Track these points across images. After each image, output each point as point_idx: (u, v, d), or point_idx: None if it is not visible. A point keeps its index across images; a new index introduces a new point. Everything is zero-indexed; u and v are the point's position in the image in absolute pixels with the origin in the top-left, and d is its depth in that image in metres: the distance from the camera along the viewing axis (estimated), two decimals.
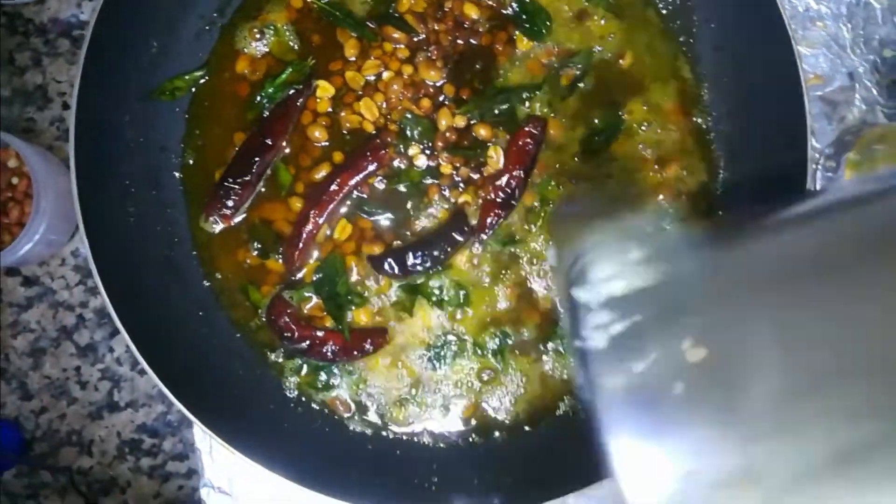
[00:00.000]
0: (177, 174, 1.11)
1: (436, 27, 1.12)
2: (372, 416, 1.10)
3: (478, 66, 1.13)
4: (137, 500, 1.30)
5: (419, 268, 1.08)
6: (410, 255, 1.08)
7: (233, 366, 1.08)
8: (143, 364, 0.95)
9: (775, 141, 1.08)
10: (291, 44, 1.13)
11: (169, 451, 1.24)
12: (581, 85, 1.13)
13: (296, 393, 1.09)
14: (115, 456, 1.24)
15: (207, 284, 1.10)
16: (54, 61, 1.28)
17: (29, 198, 1.19)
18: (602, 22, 1.15)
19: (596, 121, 1.13)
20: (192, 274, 1.10)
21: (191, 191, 1.11)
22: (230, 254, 1.10)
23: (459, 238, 1.08)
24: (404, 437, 1.09)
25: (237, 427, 0.99)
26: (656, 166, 1.13)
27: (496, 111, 1.12)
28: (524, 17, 1.14)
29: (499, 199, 1.09)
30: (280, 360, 1.10)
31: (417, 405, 1.10)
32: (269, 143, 1.09)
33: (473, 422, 1.10)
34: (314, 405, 1.10)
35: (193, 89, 1.11)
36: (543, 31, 1.14)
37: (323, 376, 1.09)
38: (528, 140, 1.09)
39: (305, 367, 1.10)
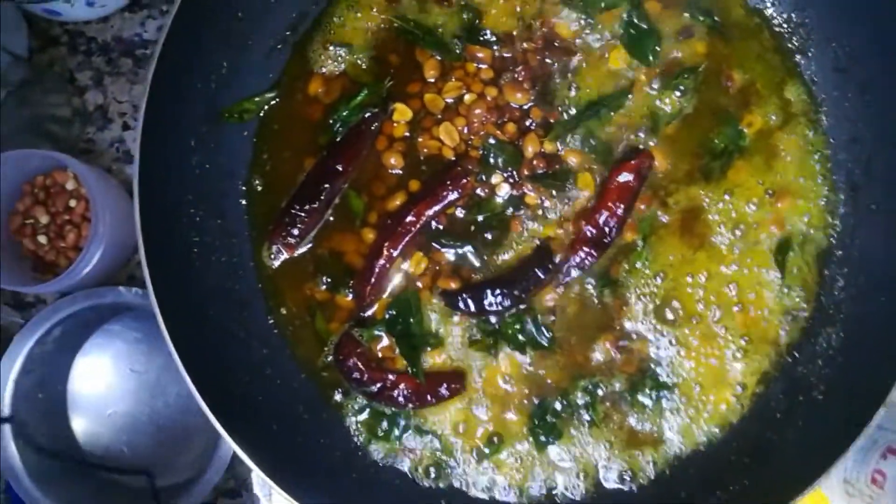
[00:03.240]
0: (242, 202, 1.04)
1: (524, 46, 1.03)
2: (444, 471, 1.00)
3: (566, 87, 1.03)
4: None
5: (497, 307, 0.98)
6: (489, 292, 0.98)
7: (297, 408, 1.00)
8: (202, 405, 0.87)
9: None
10: (368, 64, 1.05)
11: (219, 485, 1.16)
12: (684, 107, 1.03)
13: (363, 440, 1.01)
14: None
15: (272, 321, 1.03)
16: (116, 81, 1.25)
17: (87, 221, 1.15)
18: (707, 41, 1.04)
19: (716, 140, 1.02)
20: (256, 309, 1.03)
21: (257, 219, 1.04)
22: (297, 287, 1.03)
23: (542, 276, 0.98)
24: (481, 497, 1.00)
25: (299, 476, 0.91)
26: (768, 196, 1.01)
27: (591, 138, 1.02)
28: (631, 35, 1.04)
29: (590, 236, 0.99)
30: (346, 402, 1.02)
31: (495, 462, 1.00)
32: (340, 168, 1.01)
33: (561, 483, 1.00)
34: (380, 454, 1.01)
35: (263, 112, 1.04)
36: (650, 55, 1.03)
37: (386, 424, 1.01)
38: (632, 175, 0.99)
39: (369, 412, 1.01)
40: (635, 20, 1.04)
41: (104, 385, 1.22)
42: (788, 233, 1.01)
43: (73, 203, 1.17)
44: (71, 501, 1.13)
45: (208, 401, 0.88)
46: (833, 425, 0.91)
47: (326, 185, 1.01)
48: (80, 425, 1.21)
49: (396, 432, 1.00)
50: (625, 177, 0.99)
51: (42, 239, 1.15)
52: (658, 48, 1.03)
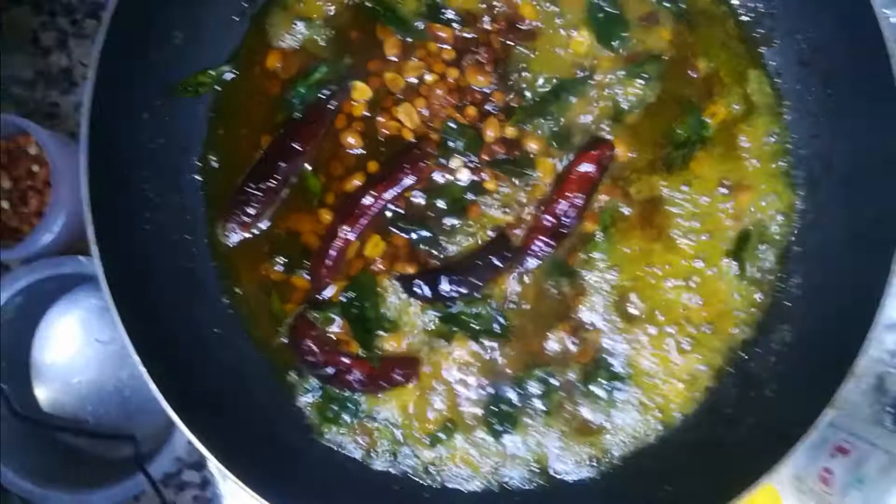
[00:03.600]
0: (197, 177, 1.01)
1: (487, 27, 1.01)
2: (397, 455, 1.00)
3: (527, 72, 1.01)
4: None
5: (453, 293, 0.97)
6: (444, 279, 0.97)
7: (250, 390, 0.99)
8: (150, 384, 0.86)
9: (864, 166, 0.95)
10: (328, 40, 1.02)
11: (183, 458, 1.16)
12: (647, 96, 1.01)
13: (315, 422, 1.00)
14: None
15: (226, 300, 1.01)
16: (81, 43, 1.21)
17: (50, 187, 1.12)
18: (672, 28, 1.02)
19: (678, 130, 1.01)
20: (210, 288, 1.01)
21: (212, 197, 1.02)
22: (252, 267, 1.01)
23: (499, 264, 0.97)
24: (432, 481, 0.99)
25: (249, 458, 0.90)
26: (725, 191, 1.01)
27: (552, 124, 1.00)
28: (597, 20, 1.02)
29: (548, 225, 0.98)
30: (299, 383, 1.01)
31: (448, 447, 1.00)
32: (297, 147, 0.99)
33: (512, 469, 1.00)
34: (332, 438, 1.00)
35: (219, 86, 1.02)
36: (616, 41, 1.02)
37: (338, 407, 1.00)
38: (593, 165, 0.98)
39: (321, 394, 1.00)
40: (602, 4, 1.02)
41: (68, 354, 1.21)
42: (747, 227, 1.01)
43: (35, 168, 1.14)
44: (39, 471, 1.13)
45: (157, 379, 0.86)
46: (783, 422, 0.91)
47: (283, 164, 0.99)
48: (43, 393, 1.20)
49: (347, 416, 0.99)
50: (585, 167, 0.98)
51: (4, 204, 1.12)
52: (624, 34, 1.02)
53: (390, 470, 1.00)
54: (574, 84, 1.01)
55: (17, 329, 1.16)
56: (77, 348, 1.21)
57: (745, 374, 0.99)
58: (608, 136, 1.01)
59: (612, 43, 1.01)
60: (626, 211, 1.01)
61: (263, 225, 1.01)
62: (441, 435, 1.00)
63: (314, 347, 0.98)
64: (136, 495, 1.19)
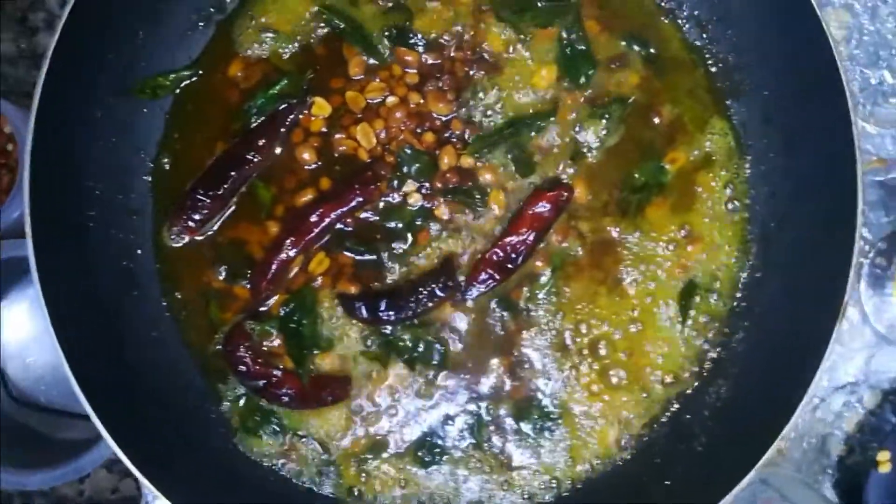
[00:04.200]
0: (148, 178, 1.01)
1: (452, 55, 1.00)
2: (321, 475, 0.99)
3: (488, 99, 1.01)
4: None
5: (392, 317, 0.97)
6: (384, 302, 0.96)
7: (180, 397, 0.98)
8: (71, 380, 0.85)
9: (819, 228, 0.94)
10: (293, 53, 1.02)
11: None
12: (609, 138, 1.00)
13: (239, 434, 0.99)
14: None
15: (165, 303, 1.00)
16: None
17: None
18: (640, 72, 1.01)
19: (636, 175, 1.00)
20: (150, 290, 1.00)
21: (161, 199, 1.01)
22: (194, 273, 1.01)
23: (441, 294, 0.96)
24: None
25: (169, 467, 0.90)
26: (680, 239, 1.00)
27: (510, 157, 0.99)
28: (566, 55, 1.01)
29: (496, 259, 0.97)
30: (228, 392, 1.00)
31: (373, 474, 0.99)
32: (249, 157, 0.98)
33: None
34: (256, 452, 0.99)
35: (178, 90, 1.01)
36: (582, 77, 1.01)
37: (261, 419, 0.99)
38: (549, 206, 0.97)
39: (248, 405, 0.99)
40: (573, 39, 1.01)
41: (26, 334, 1.20)
42: (695, 277, 1.00)
43: (10, 147, 1.14)
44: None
45: (79, 376, 0.85)
46: (708, 478, 0.90)
47: (233, 173, 0.98)
48: None
49: (271, 430, 0.98)
50: (542, 207, 0.97)
51: None
52: (592, 72, 1.01)
53: (312, 488, 0.99)
54: (534, 119, 1.00)
55: None
56: (35, 329, 1.21)
57: (677, 424, 0.98)
58: (565, 177, 1.00)
59: (580, 81, 1.00)
60: (577, 251, 1.00)
61: (210, 231, 1.00)
62: (370, 456, 0.99)
63: (247, 358, 0.98)
64: (81, 478, 1.19)
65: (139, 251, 1.00)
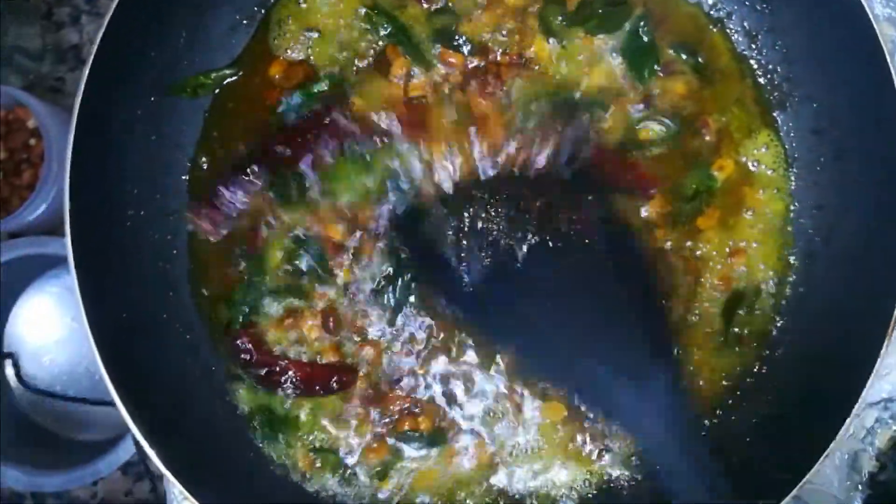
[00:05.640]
0: (185, 178, 1.00)
1: (497, 59, 0.99)
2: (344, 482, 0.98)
3: None
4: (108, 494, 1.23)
5: None
6: None
7: (208, 402, 0.97)
8: (119, 405, 0.84)
9: (867, 243, 0.92)
10: (332, 53, 1.00)
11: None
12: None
13: (258, 436, 0.98)
14: None
15: (194, 303, 0.99)
16: (93, 20, 1.21)
17: (44, 162, 1.12)
18: (688, 81, 0.99)
19: (687, 182, 0.99)
20: (183, 290, 0.99)
21: (198, 198, 0.99)
22: (221, 269, 0.99)
23: None
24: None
25: (201, 470, 0.89)
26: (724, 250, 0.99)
27: None
28: (630, 51, 0.99)
29: None
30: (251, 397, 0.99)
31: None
32: (287, 154, 0.97)
33: None
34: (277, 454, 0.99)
35: (218, 89, 0.99)
36: (646, 73, 0.99)
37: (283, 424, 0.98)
38: None
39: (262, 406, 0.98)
40: (639, 32, 0.98)
41: (43, 332, 1.21)
42: (738, 291, 0.98)
43: (32, 142, 1.14)
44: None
45: (115, 379, 0.85)
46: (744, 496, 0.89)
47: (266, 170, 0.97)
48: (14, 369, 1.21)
49: (284, 434, 0.98)
50: None
51: None
52: (657, 67, 0.99)
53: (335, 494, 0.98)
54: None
55: None
56: (52, 327, 1.21)
57: (714, 440, 0.97)
58: None
59: (644, 74, 0.98)
60: None
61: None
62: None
63: (250, 346, 0.97)
64: (94, 481, 1.19)
65: (175, 251, 0.99)
